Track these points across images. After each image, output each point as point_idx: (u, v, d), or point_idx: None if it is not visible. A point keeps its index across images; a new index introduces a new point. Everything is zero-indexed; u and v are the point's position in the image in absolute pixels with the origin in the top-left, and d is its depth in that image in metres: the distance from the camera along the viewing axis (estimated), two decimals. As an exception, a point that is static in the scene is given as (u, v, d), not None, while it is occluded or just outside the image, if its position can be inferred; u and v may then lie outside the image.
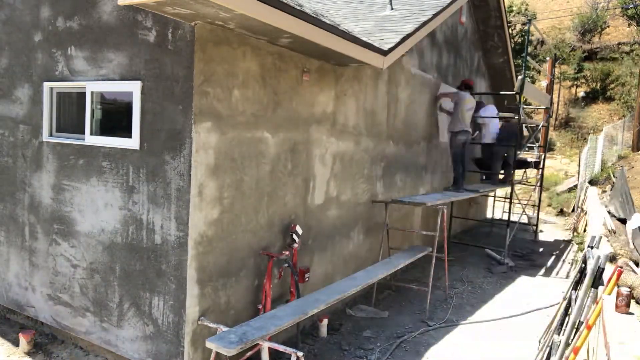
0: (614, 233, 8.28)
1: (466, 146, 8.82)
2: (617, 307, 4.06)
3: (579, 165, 17.40)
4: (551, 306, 6.95)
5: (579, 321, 4.05)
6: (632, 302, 4.55)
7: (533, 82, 25.59)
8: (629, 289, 4.22)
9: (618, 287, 4.16)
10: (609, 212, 10.01)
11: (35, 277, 5.16)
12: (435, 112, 8.81)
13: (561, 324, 4.84)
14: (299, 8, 3.98)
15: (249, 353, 4.40)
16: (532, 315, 6.62)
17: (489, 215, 13.88)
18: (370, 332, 5.76)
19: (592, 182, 14.86)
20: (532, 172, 15.21)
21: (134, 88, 4.20)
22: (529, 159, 8.72)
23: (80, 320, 4.77)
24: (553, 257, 9.88)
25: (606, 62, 25.69)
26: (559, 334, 4.72)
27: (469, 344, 5.61)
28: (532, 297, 7.33)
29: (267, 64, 4.58)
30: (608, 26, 27.89)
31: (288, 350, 3.68)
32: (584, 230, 11.12)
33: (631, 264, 6.09)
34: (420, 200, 7.02)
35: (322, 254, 5.84)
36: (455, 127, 8.59)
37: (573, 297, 4.77)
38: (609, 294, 4.14)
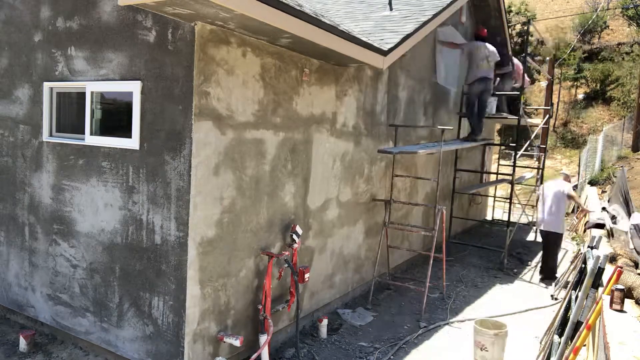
0: (614, 233, 8.27)
1: (483, 95, 8.78)
2: (611, 303, 4.08)
3: (579, 166, 17.41)
4: (549, 306, 6.96)
5: (579, 321, 4.06)
6: (632, 302, 4.56)
7: (533, 83, 25.60)
8: (622, 287, 4.23)
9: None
10: (608, 213, 10.00)
11: (35, 277, 5.16)
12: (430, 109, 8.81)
13: (561, 324, 4.85)
14: (298, 8, 3.98)
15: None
16: (528, 314, 6.62)
17: (489, 215, 13.87)
18: (369, 333, 5.75)
19: (592, 183, 14.86)
20: (532, 172, 15.23)
21: (133, 88, 4.20)
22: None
23: (80, 320, 4.77)
24: (553, 258, 9.87)
25: (606, 62, 25.69)
26: (559, 334, 4.73)
27: (467, 343, 5.61)
28: (530, 297, 7.33)
29: (267, 64, 4.58)
30: (608, 26, 27.88)
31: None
32: (584, 231, 11.11)
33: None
34: (411, 150, 6.99)
35: (322, 254, 5.84)
36: (469, 78, 8.76)
37: (573, 297, 4.78)
38: (609, 294, 4.14)
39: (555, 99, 24.22)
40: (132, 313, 4.37)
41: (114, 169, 4.41)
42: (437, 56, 8.68)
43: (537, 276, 8.46)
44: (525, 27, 9.56)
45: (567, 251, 10.48)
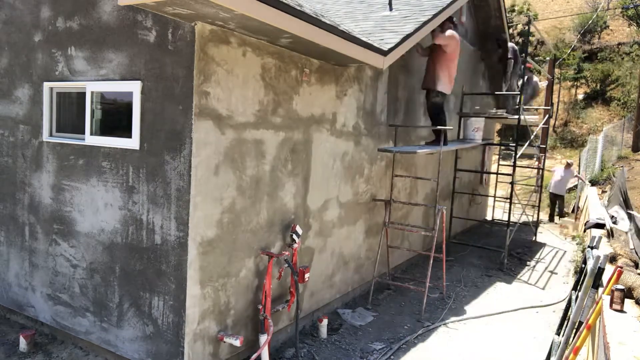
0: (614, 233, 8.27)
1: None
2: (611, 303, 4.08)
3: (579, 166, 17.40)
4: (549, 305, 6.96)
5: (579, 321, 4.06)
6: (632, 302, 4.55)
7: (533, 83, 25.55)
8: (622, 287, 4.22)
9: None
10: (608, 213, 9.99)
11: (35, 277, 5.16)
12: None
13: (561, 324, 4.85)
14: (299, 8, 3.98)
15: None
16: (528, 314, 6.63)
17: (489, 215, 13.87)
18: (369, 333, 5.76)
19: (592, 183, 14.85)
20: (532, 172, 15.24)
21: (134, 88, 4.21)
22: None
23: (80, 320, 4.77)
24: (551, 258, 9.89)
25: (606, 62, 25.69)
26: (558, 334, 4.73)
27: (467, 343, 5.61)
28: (529, 296, 7.34)
29: (267, 64, 4.58)
30: (608, 26, 27.88)
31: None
32: (584, 231, 11.11)
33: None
34: (411, 150, 6.96)
35: (322, 254, 5.84)
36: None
37: (573, 297, 4.78)
38: (609, 294, 4.14)
39: (555, 99, 24.21)
40: (132, 313, 4.37)
41: (114, 169, 4.41)
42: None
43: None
44: (526, 27, 9.56)
45: (566, 252, 10.49)
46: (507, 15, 11.66)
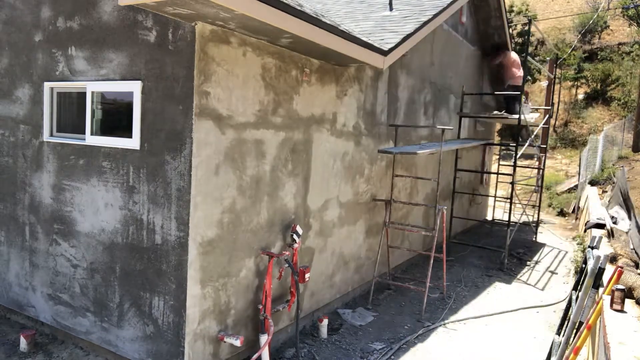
0: (614, 233, 8.26)
1: None
2: (611, 303, 4.08)
3: (579, 166, 17.39)
4: (549, 305, 6.96)
5: (579, 321, 4.06)
6: (633, 302, 4.56)
7: (533, 82, 25.60)
8: (623, 287, 4.23)
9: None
10: (608, 213, 9.98)
11: (35, 277, 5.16)
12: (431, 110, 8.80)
13: (562, 324, 4.85)
14: (299, 8, 3.98)
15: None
16: (528, 314, 6.63)
17: (489, 215, 13.87)
18: (370, 333, 5.76)
19: (593, 183, 14.84)
20: (532, 172, 15.24)
21: (134, 88, 4.21)
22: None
23: (81, 320, 4.77)
24: (551, 258, 9.88)
25: (606, 62, 25.67)
26: (559, 334, 4.73)
27: (468, 343, 5.61)
28: (529, 296, 7.34)
29: (268, 64, 4.58)
30: (608, 26, 27.86)
31: None
32: (584, 231, 11.10)
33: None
34: (411, 150, 6.97)
35: (322, 254, 5.84)
36: None
37: (573, 297, 4.78)
38: (609, 294, 4.14)
39: (555, 99, 24.21)
40: (133, 313, 4.37)
41: (115, 169, 4.42)
42: None
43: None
44: (526, 27, 9.56)
45: (567, 252, 10.48)
46: (507, 15, 11.64)
